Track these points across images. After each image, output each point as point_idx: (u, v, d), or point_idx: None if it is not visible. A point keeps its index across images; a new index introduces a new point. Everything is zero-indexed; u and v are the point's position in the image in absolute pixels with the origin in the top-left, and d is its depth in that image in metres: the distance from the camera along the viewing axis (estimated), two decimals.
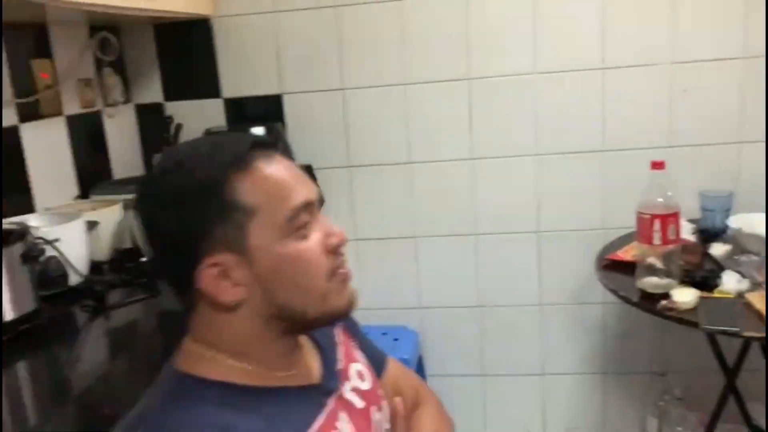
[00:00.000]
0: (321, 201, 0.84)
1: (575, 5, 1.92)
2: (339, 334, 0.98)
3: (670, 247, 1.46)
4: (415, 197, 2.11)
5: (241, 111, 2.13)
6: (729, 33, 1.90)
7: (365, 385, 0.93)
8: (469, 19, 1.97)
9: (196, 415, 0.75)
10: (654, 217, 1.45)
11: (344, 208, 2.15)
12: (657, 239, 1.44)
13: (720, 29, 1.91)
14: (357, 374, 0.94)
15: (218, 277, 0.76)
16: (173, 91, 2.14)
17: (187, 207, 0.76)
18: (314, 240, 0.80)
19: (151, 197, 0.80)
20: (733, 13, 1.88)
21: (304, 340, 0.90)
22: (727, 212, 1.77)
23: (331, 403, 0.86)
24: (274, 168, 0.78)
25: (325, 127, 2.11)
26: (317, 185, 0.84)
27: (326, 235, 0.81)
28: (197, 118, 2.10)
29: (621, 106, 1.96)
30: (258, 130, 1.92)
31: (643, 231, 1.49)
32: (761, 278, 1.44)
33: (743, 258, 1.57)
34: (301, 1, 2.03)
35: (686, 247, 1.58)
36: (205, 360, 0.80)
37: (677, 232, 1.48)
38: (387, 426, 0.93)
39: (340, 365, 0.92)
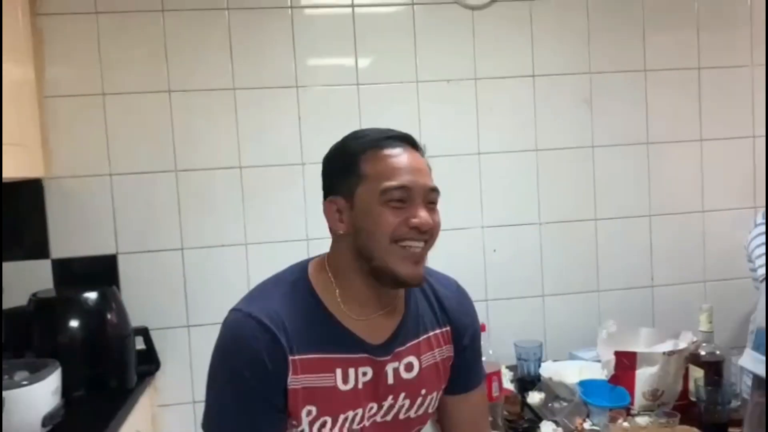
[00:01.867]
0: (431, 191, 1.13)
1: None
2: (437, 335, 1.21)
3: (495, 401, 1.62)
4: None
5: (72, 272, 2.05)
6: (529, 203, 2.23)
7: (408, 375, 1.17)
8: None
9: (268, 299, 1.10)
10: None
11: (182, 369, 2.10)
12: None
13: (521, 201, 2.24)
14: (406, 365, 1.16)
15: (334, 211, 1.12)
16: None
17: (336, 163, 1.14)
18: (399, 215, 1.07)
19: (327, 153, 1.17)
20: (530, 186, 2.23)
21: (391, 311, 1.15)
22: (538, 361, 2.00)
23: (365, 358, 1.12)
24: (392, 154, 1.10)
25: (164, 288, 2.09)
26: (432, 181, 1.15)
27: (411, 215, 1.08)
28: (22, 279, 1.99)
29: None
30: (90, 295, 1.86)
31: None
32: (574, 425, 1.63)
33: (556, 405, 1.77)
34: (137, 165, 2.06)
35: (508, 398, 1.75)
36: (323, 274, 1.14)
37: (500, 387, 1.64)
38: (406, 415, 1.18)
39: (401, 347, 1.15)
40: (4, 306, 1.91)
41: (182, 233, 2.09)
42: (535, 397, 1.83)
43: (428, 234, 1.10)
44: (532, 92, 2.22)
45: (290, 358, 1.06)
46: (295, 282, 1.14)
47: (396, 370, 1.15)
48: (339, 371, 1.10)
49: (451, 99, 2.19)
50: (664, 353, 1.72)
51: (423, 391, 1.18)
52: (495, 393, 1.61)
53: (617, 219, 2.29)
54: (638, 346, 1.86)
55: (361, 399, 1.12)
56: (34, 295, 1.87)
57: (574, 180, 2.26)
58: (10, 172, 1.77)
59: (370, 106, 2.14)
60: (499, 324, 2.17)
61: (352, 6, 2.13)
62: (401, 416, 1.17)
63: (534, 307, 2.27)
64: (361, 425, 1.14)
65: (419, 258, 1.09)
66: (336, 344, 1.10)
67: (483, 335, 1.66)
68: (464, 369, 1.25)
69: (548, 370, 1.93)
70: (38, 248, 2.04)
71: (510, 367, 2.01)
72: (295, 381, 1.07)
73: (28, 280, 2.00)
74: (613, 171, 2.27)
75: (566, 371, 1.92)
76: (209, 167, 2.09)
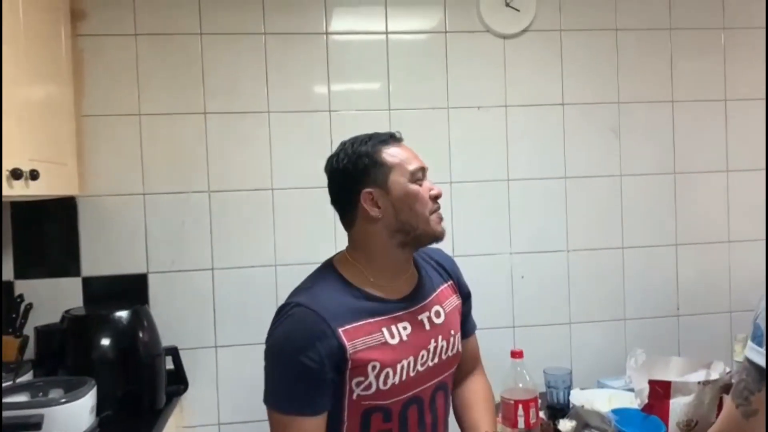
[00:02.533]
0: (427, 168, 1.40)
1: None
2: (446, 288, 1.51)
3: (530, 428, 1.61)
4: None
5: (102, 290, 2.05)
6: (557, 230, 2.25)
7: (438, 321, 1.43)
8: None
9: (310, 293, 1.34)
10: (517, 402, 1.60)
11: (209, 390, 2.09)
12: (521, 423, 1.59)
13: (549, 228, 2.25)
14: (435, 312, 1.44)
15: (370, 201, 1.36)
16: (26, 269, 2.02)
17: (360, 163, 1.37)
18: (424, 188, 1.37)
19: (337, 160, 1.40)
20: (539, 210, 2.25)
21: (409, 277, 1.44)
22: (567, 389, 1.99)
23: (401, 313, 1.38)
24: (401, 148, 1.40)
25: (193, 307, 2.09)
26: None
27: (430, 188, 1.38)
28: (52, 297, 2.01)
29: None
30: (122, 313, 1.87)
31: (507, 415, 1.63)
32: None
33: None
34: (170, 185, 2.08)
35: (542, 425, 1.74)
36: (349, 264, 1.40)
37: (537, 415, 1.64)
38: (447, 355, 1.43)
39: (425, 300, 1.43)
40: (36, 323, 1.91)
41: (213, 253, 2.10)
42: (566, 425, 1.82)
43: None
44: (562, 120, 2.24)
45: (339, 330, 1.29)
46: (327, 276, 1.40)
47: (429, 319, 1.42)
48: (385, 330, 1.34)
49: (481, 125, 2.21)
50: (699, 383, 1.71)
51: (452, 332, 1.45)
52: (532, 420, 1.61)
53: (644, 248, 2.30)
54: (670, 375, 1.85)
55: (410, 348, 1.36)
56: (67, 312, 1.88)
57: (602, 208, 2.27)
58: (46, 190, 1.79)
59: (400, 131, 2.15)
60: (527, 351, 2.14)
61: (386, 33, 2.17)
62: (443, 356, 1.42)
63: (561, 335, 2.27)
64: (416, 370, 1.37)
65: (442, 219, 1.41)
66: (374, 311, 1.36)
67: (519, 362, 1.67)
68: (466, 317, 1.57)
69: (578, 398, 1.92)
70: (70, 266, 2.05)
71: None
72: (353, 346, 1.29)
73: (58, 297, 2.01)
74: (640, 200, 2.29)
75: (596, 399, 1.91)
76: (242, 188, 2.11)
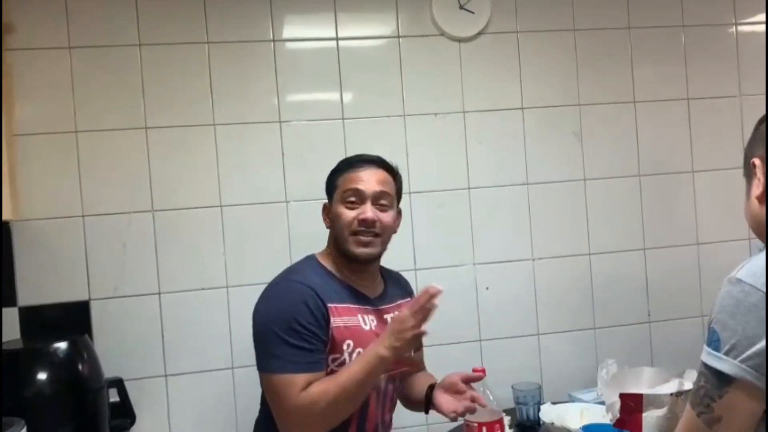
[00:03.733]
0: (380, 194, 1.53)
1: None
2: (403, 303, 1.62)
3: None
4: (237, 405, 2.00)
5: (41, 320, 1.92)
6: (522, 238, 2.17)
7: None
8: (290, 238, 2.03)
9: (299, 273, 1.52)
10: (481, 425, 1.50)
11: (159, 422, 1.97)
12: None
13: (513, 237, 2.17)
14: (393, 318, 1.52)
15: (325, 213, 1.60)
16: None
17: (328, 179, 1.61)
18: (352, 212, 1.52)
19: None
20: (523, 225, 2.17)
21: (378, 278, 1.64)
22: (537, 404, 1.90)
23: (371, 308, 1.56)
24: (358, 170, 1.55)
25: (140, 335, 1.96)
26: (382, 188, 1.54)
27: (361, 212, 1.51)
28: None
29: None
30: (59, 345, 1.74)
31: None
32: None
33: None
34: (111, 206, 1.96)
35: None
36: (330, 258, 1.58)
37: None
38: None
39: (388, 305, 1.61)
40: None
41: (159, 277, 1.98)
42: None
43: (376, 227, 1.52)
44: (522, 125, 2.17)
45: (329, 305, 1.47)
46: (311, 265, 1.57)
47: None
48: (360, 316, 1.52)
49: (438, 133, 2.13)
50: (671, 394, 1.63)
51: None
52: None
53: (611, 253, 2.23)
54: (642, 387, 1.77)
55: (375, 338, 1.47)
56: None
57: (567, 214, 2.20)
58: None
59: (355, 141, 2.06)
60: (494, 365, 2.07)
61: (336, 39, 2.08)
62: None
63: (529, 347, 2.18)
64: None
65: (367, 243, 1.52)
66: (352, 298, 1.53)
67: (482, 381, 1.58)
68: None
69: (548, 414, 1.84)
70: (5, 295, 1.91)
71: (507, 410, 1.90)
72: (335, 321, 1.46)
73: None
74: (606, 204, 2.22)
75: (567, 415, 1.83)
76: (188, 206, 2.00)
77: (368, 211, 1.50)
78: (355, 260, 1.53)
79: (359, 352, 1.46)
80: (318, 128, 2.06)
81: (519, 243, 2.17)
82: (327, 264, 1.57)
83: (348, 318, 1.49)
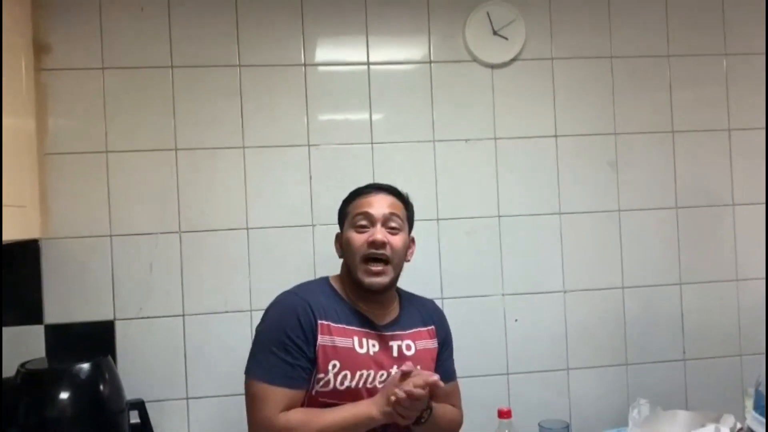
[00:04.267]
0: (390, 216, 1.56)
1: None
2: (423, 331, 1.64)
3: None
4: None
5: (66, 339, 1.92)
6: (553, 270, 2.11)
7: (408, 353, 1.57)
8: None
9: (304, 288, 1.59)
10: None
11: None
12: None
13: (544, 267, 2.11)
14: (406, 345, 1.58)
15: (337, 242, 1.63)
16: None
17: (340, 209, 1.66)
18: (363, 236, 1.54)
19: None
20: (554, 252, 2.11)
21: (392, 305, 1.63)
22: None
23: (373, 333, 1.55)
24: (369, 196, 1.59)
25: (162, 356, 1.95)
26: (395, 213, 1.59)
27: (370, 235, 1.53)
28: (13, 346, 1.88)
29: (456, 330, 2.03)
30: (82, 366, 1.73)
31: None
32: None
33: None
34: (139, 226, 1.96)
35: None
36: (339, 277, 1.62)
37: None
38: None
39: (399, 332, 1.58)
40: None
41: (184, 298, 1.97)
42: None
43: (387, 250, 1.53)
44: (555, 153, 2.12)
45: (319, 321, 1.48)
46: (320, 284, 1.62)
47: (399, 348, 1.56)
48: (356, 338, 1.51)
49: (469, 159, 2.09)
50: None
51: (418, 367, 1.51)
52: None
53: (646, 287, 2.15)
54: (676, 431, 1.70)
55: (373, 363, 1.51)
56: (22, 365, 1.74)
57: (600, 245, 2.14)
58: (7, 235, 1.67)
59: (384, 166, 2.04)
60: (520, 400, 2.03)
61: (367, 63, 2.06)
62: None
63: (558, 382, 2.11)
64: (373, 385, 1.50)
65: (378, 272, 1.53)
66: (354, 321, 1.53)
67: (507, 422, 1.54)
68: (441, 363, 1.65)
69: None
70: (32, 313, 1.92)
71: None
72: (323, 339, 1.47)
73: (20, 347, 1.88)
74: (641, 236, 2.15)
75: None
76: (215, 228, 1.99)
77: (378, 233, 1.53)
78: (367, 290, 1.54)
79: (346, 375, 1.48)
80: (347, 152, 2.04)
81: (550, 274, 2.11)
82: (337, 285, 1.60)
83: (340, 338, 1.50)
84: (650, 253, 2.15)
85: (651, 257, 2.15)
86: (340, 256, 1.62)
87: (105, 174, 1.95)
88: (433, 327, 1.66)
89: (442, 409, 1.59)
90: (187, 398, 1.97)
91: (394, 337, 1.57)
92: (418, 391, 1.40)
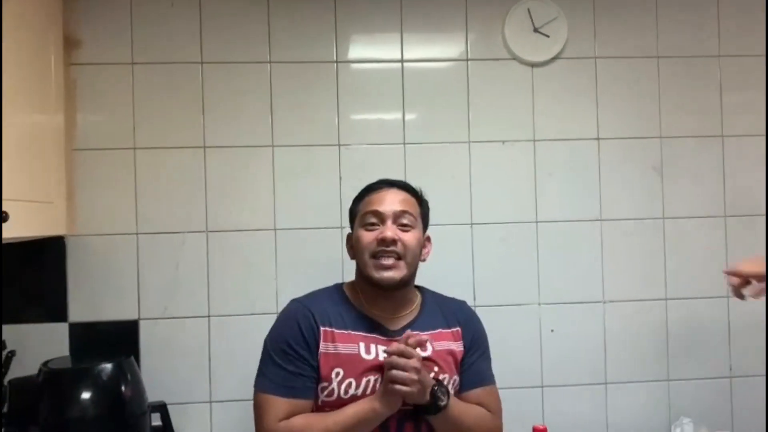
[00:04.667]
0: (401, 213, 1.49)
1: None
2: (446, 332, 1.54)
3: None
4: None
5: (90, 337, 1.89)
6: (592, 279, 2.01)
7: (422, 352, 1.43)
8: None
9: (310, 295, 1.55)
10: None
11: None
12: None
13: (583, 276, 2.02)
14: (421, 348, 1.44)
15: (349, 242, 1.57)
16: (9, 313, 1.87)
17: (351, 208, 1.60)
18: (372, 234, 1.48)
19: None
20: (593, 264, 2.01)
21: (410, 308, 1.55)
22: None
23: (383, 338, 1.47)
24: (380, 193, 1.53)
25: (186, 358, 1.91)
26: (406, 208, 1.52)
27: (380, 232, 1.46)
28: (37, 344, 1.85)
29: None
30: (105, 366, 1.70)
31: None
32: None
33: None
34: (166, 224, 1.92)
35: None
36: (352, 283, 1.57)
37: None
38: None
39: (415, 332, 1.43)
40: (15, 374, 1.76)
41: (210, 299, 1.93)
42: None
43: (398, 247, 1.46)
44: (597, 157, 2.02)
45: (322, 328, 1.44)
46: (329, 290, 1.57)
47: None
48: (362, 344, 1.44)
49: (506, 161, 2.01)
50: None
51: (436, 369, 1.46)
52: None
53: (690, 299, 2.04)
54: None
55: (382, 368, 1.40)
56: (44, 364, 1.71)
57: (643, 254, 2.03)
58: (33, 231, 1.65)
59: (416, 167, 1.97)
60: (555, 415, 1.94)
61: (402, 61, 1.99)
62: None
63: (595, 397, 2.01)
64: None
65: (388, 266, 1.45)
66: (361, 326, 1.47)
67: None
68: (468, 368, 1.54)
69: None
70: (56, 311, 1.89)
71: None
72: (325, 346, 1.43)
73: (44, 345, 1.86)
74: (686, 245, 2.04)
75: None
76: (242, 228, 1.94)
77: (387, 230, 1.46)
78: (378, 286, 1.47)
79: (350, 383, 1.42)
80: (378, 153, 1.98)
81: (589, 283, 2.02)
82: (348, 291, 1.56)
83: (344, 345, 1.44)
84: (696, 263, 2.04)
85: (697, 268, 2.04)
86: (352, 257, 1.56)
87: (132, 171, 1.92)
88: (458, 329, 1.56)
89: (466, 406, 1.49)
90: (211, 401, 1.93)
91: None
92: (399, 347, 1.36)
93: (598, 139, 2.03)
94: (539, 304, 2.00)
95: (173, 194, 1.93)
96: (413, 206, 1.54)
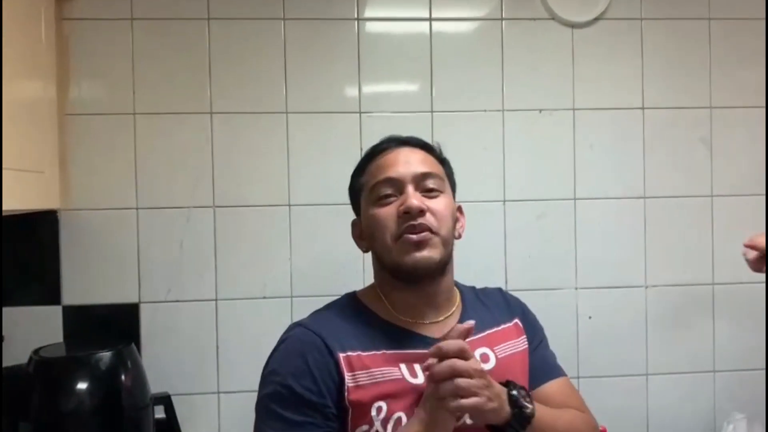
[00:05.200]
0: (424, 176, 1.14)
1: None
2: (503, 330, 1.23)
3: None
4: None
5: (86, 322, 1.73)
6: (635, 261, 1.85)
7: (486, 366, 1.09)
8: None
9: (317, 314, 1.21)
10: None
11: None
12: None
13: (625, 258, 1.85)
14: (481, 355, 1.14)
15: (356, 231, 1.24)
16: None
17: (351, 186, 1.27)
18: (391, 208, 1.12)
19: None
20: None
21: (452, 308, 1.20)
22: None
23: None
24: (388, 155, 1.18)
25: (192, 345, 1.75)
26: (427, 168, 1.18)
27: (400, 203, 1.11)
28: (28, 328, 1.69)
29: None
30: (103, 355, 1.54)
31: None
32: None
33: None
34: (169, 198, 1.75)
35: None
36: (373, 293, 1.20)
37: None
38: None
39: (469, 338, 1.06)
40: (4, 362, 1.59)
41: (217, 281, 1.76)
42: None
43: (426, 219, 1.11)
44: (641, 128, 1.85)
45: (340, 355, 1.07)
46: (343, 301, 1.23)
47: None
48: (404, 366, 1.09)
49: (542, 132, 1.83)
50: None
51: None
52: None
53: (739, 284, 1.88)
54: None
55: None
56: (36, 352, 1.55)
57: (690, 235, 1.87)
58: (22, 204, 1.47)
59: (444, 138, 1.72)
60: (592, 407, 1.75)
61: (430, 19, 1.80)
62: None
63: (636, 389, 1.86)
64: None
65: (420, 242, 1.10)
66: (396, 341, 1.12)
67: None
68: (540, 361, 1.26)
69: None
70: (49, 292, 1.72)
71: None
72: (352, 378, 1.06)
73: (36, 330, 1.69)
74: (737, 225, 1.86)
75: None
76: (253, 204, 1.77)
77: (411, 197, 1.11)
78: (411, 276, 1.13)
79: (400, 419, 1.06)
80: (402, 121, 1.79)
81: (631, 266, 1.85)
82: (367, 300, 1.20)
83: (378, 370, 1.08)
84: None
85: None
86: (366, 250, 1.22)
87: (132, 139, 1.74)
88: (516, 320, 1.28)
89: (553, 411, 1.16)
90: (218, 392, 1.77)
91: None
92: (454, 343, 0.99)
93: (642, 108, 1.85)
94: (576, 288, 1.84)
95: (177, 165, 1.75)
96: (436, 166, 1.21)
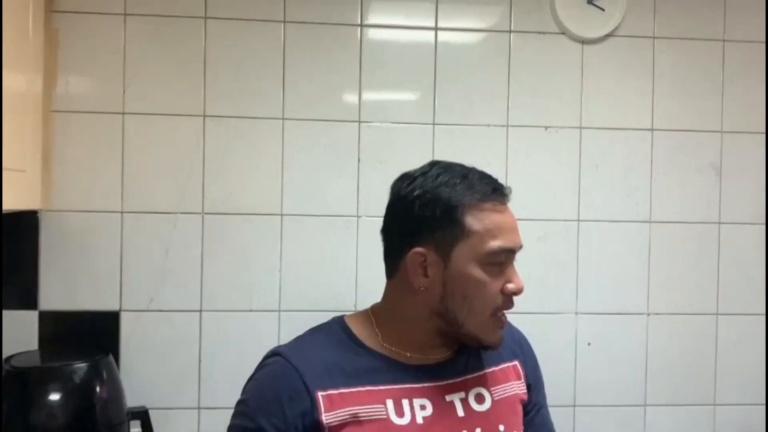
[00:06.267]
0: (517, 249, 1.06)
1: None
2: (503, 369, 1.15)
3: None
4: None
5: (63, 329, 1.65)
6: (637, 287, 1.79)
7: (480, 407, 1.07)
8: None
9: (300, 342, 1.11)
10: None
11: None
12: None
13: (627, 284, 1.79)
14: (476, 396, 1.08)
15: (418, 263, 1.03)
16: None
17: (431, 210, 1.02)
18: (499, 279, 1.03)
19: (409, 184, 1.06)
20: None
21: (451, 344, 1.10)
22: None
23: (419, 385, 1.04)
24: (498, 212, 1.04)
25: (173, 357, 1.67)
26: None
27: (508, 280, 1.04)
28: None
29: None
30: (78, 366, 1.46)
31: None
32: None
33: None
34: (156, 203, 1.67)
35: None
36: (363, 319, 1.11)
37: None
38: None
39: (462, 377, 1.08)
40: None
41: (203, 291, 1.69)
42: None
43: None
44: (649, 150, 1.79)
45: (320, 394, 0.99)
46: (328, 327, 1.12)
47: (465, 402, 1.07)
48: (390, 403, 1.02)
49: (548, 150, 1.76)
50: None
51: (501, 428, 1.07)
52: None
53: (744, 315, 1.82)
54: None
55: None
56: (7, 360, 1.47)
57: (695, 262, 1.81)
58: (5, 204, 1.39)
59: (446, 152, 1.71)
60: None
61: (435, 29, 1.74)
62: None
63: (634, 419, 1.79)
64: None
65: (504, 324, 1.08)
66: (382, 375, 1.04)
67: None
68: (538, 411, 1.19)
69: None
70: (25, 296, 1.64)
71: None
72: (332, 416, 0.99)
73: (8, 336, 1.61)
74: (743, 255, 1.82)
75: None
76: (244, 212, 1.70)
77: (518, 278, 1.06)
78: (482, 348, 1.08)
79: None
80: (403, 133, 1.73)
81: (633, 292, 1.79)
82: (356, 327, 1.10)
83: (362, 408, 1.00)
84: (753, 274, 1.82)
85: (754, 280, 1.82)
86: (424, 288, 1.04)
87: (120, 139, 1.66)
88: (516, 362, 1.18)
89: None
90: (199, 408, 1.69)
91: (453, 387, 1.07)
92: None
93: (651, 129, 1.79)
94: (576, 313, 1.78)
95: (166, 168, 1.68)
96: None
